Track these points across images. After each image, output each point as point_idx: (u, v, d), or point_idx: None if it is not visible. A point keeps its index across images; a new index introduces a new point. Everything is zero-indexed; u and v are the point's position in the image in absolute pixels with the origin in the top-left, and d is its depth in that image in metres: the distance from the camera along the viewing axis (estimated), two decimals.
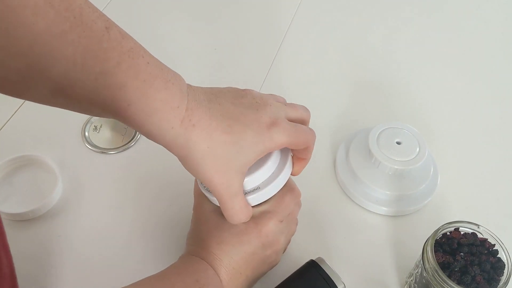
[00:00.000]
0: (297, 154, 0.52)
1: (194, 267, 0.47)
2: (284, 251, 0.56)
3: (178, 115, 0.41)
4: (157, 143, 0.43)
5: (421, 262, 0.51)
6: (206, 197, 0.52)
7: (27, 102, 0.74)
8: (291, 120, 0.48)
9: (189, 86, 0.44)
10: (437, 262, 0.50)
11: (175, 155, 0.45)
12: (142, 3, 0.91)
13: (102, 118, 0.72)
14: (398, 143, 0.64)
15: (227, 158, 0.43)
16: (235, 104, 0.45)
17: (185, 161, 0.44)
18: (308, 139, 0.49)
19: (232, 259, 0.48)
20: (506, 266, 0.50)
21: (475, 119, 0.77)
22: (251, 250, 0.49)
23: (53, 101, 0.40)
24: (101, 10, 0.40)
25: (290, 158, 0.51)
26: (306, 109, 0.52)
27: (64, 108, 0.42)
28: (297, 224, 0.57)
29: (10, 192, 0.63)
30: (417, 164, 0.62)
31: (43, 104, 0.41)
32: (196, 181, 0.54)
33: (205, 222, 0.51)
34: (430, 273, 0.50)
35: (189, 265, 0.48)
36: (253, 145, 0.44)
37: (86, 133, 0.70)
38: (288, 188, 0.52)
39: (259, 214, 0.50)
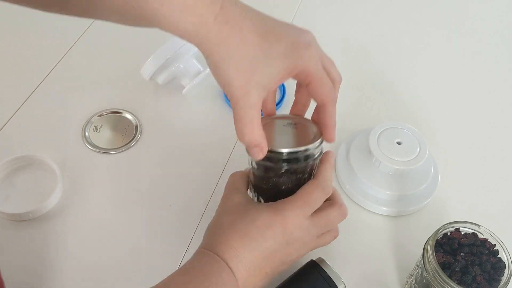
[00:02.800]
0: (319, 119, 0.49)
1: (207, 268, 0.45)
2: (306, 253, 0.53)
3: (212, 11, 0.40)
4: (190, 41, 0.42)
5: (422, 262, 0.51)
6: (237, 189, 0.51)
7: (27, 102, 0.74)
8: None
9: None
10: (438, 262, 0.50)
11: (204, 53, 0.43)
12: None
13: (102, 118, 0.72)
14: (399, 143, 0.64)
15: (254, 62, 0.42)
16: (275, 20, 0.44)
17: (212, 58, 0.42)
18: (329, 90, 0.48)
19: (252, 255, 0.46)
20: (507, 266, 0.50)
21: (475, 119, 0.77)
22: (275, 247, 0.47)
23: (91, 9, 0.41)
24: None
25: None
26: (340, 75, 0.51)
27: (98, 18, 0.42)
28: (335, 237, 0.54)
29: (10, 192, 0.63)
30: (418, 164, 0.62)
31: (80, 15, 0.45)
32: (232, 175, 0.54)
33: (230, 213, 0.49)
34: (430, 273, 0.50)
35: (202, 266, 0.46)
36: (284, 57, 0.43)
37: (87, 133, 0.70)
38: (320, 185, 0.49)
39: (285, 206, 0.48)
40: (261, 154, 0.46)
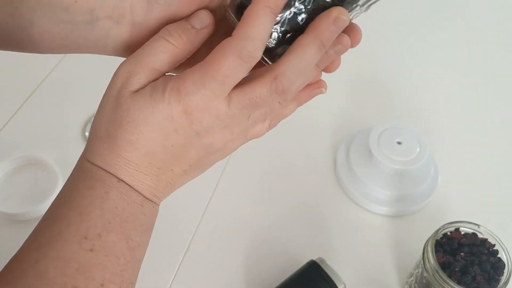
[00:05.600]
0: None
1: (87, 199, 0.33)
2: (269, 129, 0.40)
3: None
4: None
5: (422, 262, 0.51)
6: (136, 75, 0.35)
7: (27, 102, 0.74)
8: None
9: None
10: (438, 262, 0.50)
11: None
12: None
13: None
14: (399, 143, 0.64)
15: None
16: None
17: None
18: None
19: (154, 158, 0.35)
20: (506, 266, 0.50)
21: (475, 119, 0.77)
22: (181, 142, 0.35)
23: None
24: None
25: None
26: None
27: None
28: (270, 127, 0.40)
29: (10, 192, 0.63)
30: (418, 164, 0.62)
31: None
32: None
33: (117, 106, 0.34)
34: (430, 273, 0.50)
35: (83, 195, 0.34)
36: None
37: (87, 133, 0.70)
38: (237, 48, 0.33)
39: (186, 85, 0.33)
40: None
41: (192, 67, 0.34)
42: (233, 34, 0.33)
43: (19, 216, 0.61)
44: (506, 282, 0.49)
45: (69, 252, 0.31)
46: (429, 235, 0.52)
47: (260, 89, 0.34)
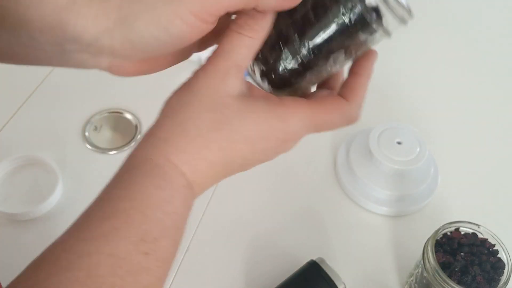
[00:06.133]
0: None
1: (152, 199, 0.31)
2: None
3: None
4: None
5: (422, 262, 0.51)
6: (235, 70, 0.34)
7: (27, 102, 0.74)
8: None
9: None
10: (438, 262, 0.50)
11: None
12: None
13: (102, 118, 0.72)
14: (399, 143, 0.64)
15: None
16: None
17: None
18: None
19: (228, 169, 0.34)
20: (506, 266, 0.50)
21: (475, 119, 0.77)
22: (260, 160, 0.35)
23: None
24: None
25: None
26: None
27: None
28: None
29: (10, 192, 0.63)
30: (418, 164, 0.62)
31: None
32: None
33: (208, 109, 0.33)
34: (430, 273, 0.50)
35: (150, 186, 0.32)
36: None
37: (87, 133, 0.70)
38: (352, 115, 0.37)
39: (292, 112, 0.34)
40: None
41: (300, 101, 0.35)
42: (348, 98, 0.37)
43: (19, 216, 0.61)
44: (506, 282, 0.49)
45: (124, 251, 0.30)
46: (429, 235, 0.52)
47: (340, 123, 0.37)
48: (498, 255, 0.51)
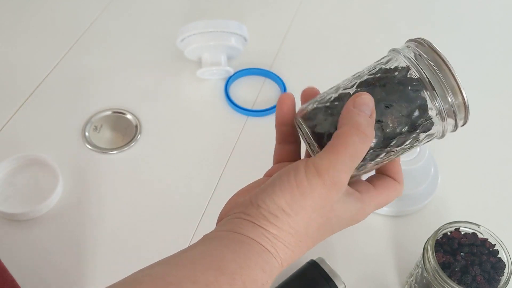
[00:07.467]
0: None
1: (254, 254, 0.36)
2: None
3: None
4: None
5: (422, 262, 0.51)
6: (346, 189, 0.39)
7: (27, 102, 0.74)
8: None
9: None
10: (438, 262, 0.50)
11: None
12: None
13: (102, 118, 0.72)
14: None
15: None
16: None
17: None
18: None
19: (312, 241, 0.39)
20: (507, 266, 0.50)
21: (475, 119, 0.77)
22: (344, 227, 0.41)
23: None
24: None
25: None
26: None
27: None
28: None
29: (10, 192, 0.64)
30: (418, 164, 0.62)
31: None
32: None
33: (296, 185, 0.37)
34: (430, 273, 0.50)
35: (246, 251, 0.37)
36: None
37: (87, 133, 0.70)
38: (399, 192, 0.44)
39: (372, 198, 0.41)
40: None
41: (372, 192, 0.42)
42: (399, 180, 0.44)
43: (19, 216, 0.61)
44: (506, 282, 0.49)
45: None
46: (429, 235, 0.52)
47: (395, 195, 0.43)
48: (498, 255, 0.51)
